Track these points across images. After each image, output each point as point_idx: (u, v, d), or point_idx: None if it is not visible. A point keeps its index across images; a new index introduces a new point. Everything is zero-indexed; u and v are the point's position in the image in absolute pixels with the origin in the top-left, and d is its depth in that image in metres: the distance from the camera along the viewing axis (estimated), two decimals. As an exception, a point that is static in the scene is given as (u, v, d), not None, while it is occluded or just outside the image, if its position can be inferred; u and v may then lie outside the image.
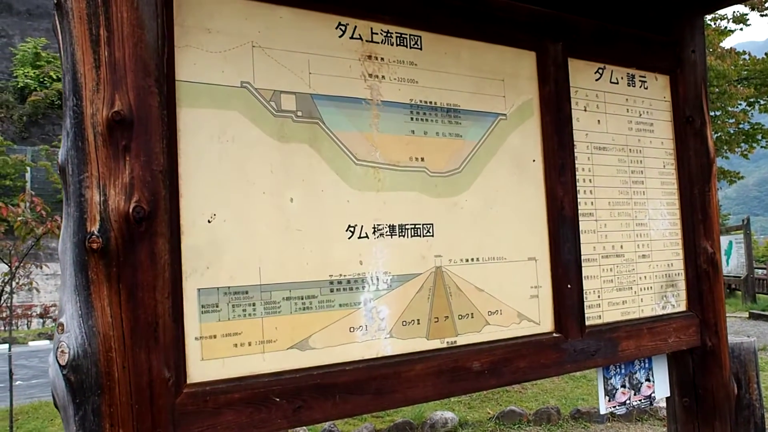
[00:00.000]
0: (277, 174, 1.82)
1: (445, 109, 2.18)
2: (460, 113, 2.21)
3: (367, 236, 1.96)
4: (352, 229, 1.93)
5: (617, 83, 2.76)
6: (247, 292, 1.74)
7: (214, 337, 1.69)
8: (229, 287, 1.72)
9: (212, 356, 1.68)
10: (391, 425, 5.28)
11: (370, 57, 2.03)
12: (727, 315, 3.13)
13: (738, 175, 14.96)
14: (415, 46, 2.14)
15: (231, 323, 1.72)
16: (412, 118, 2.10)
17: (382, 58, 2.06)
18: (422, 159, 2.10)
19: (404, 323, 2.02)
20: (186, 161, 1.67)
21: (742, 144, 13.96)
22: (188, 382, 1.64)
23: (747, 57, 13.07)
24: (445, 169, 2.15)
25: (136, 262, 1.52)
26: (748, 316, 15.47)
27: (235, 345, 1.72)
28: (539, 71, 2.44)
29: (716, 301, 2.98)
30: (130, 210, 1.50)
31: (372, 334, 1.96)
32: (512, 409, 5.69)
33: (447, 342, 2.12)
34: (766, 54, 12.68)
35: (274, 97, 1.83)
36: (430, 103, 2.15)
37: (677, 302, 2.93)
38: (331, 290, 1.89)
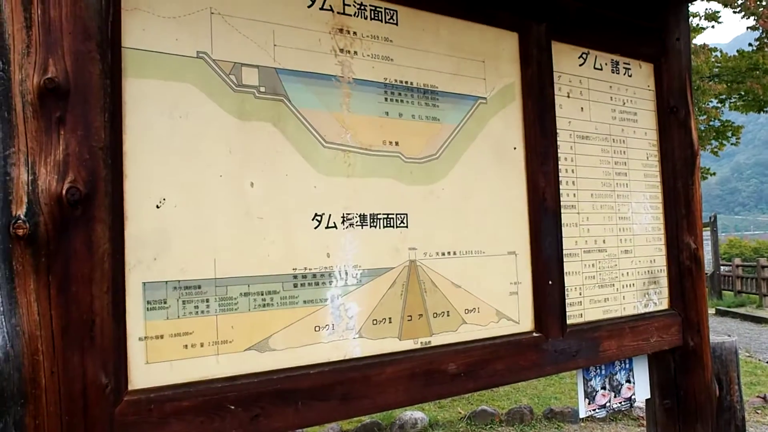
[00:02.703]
0: (236, 155, 1.63)
1: (422, 90, 2.01)
2: (437, 95, 2.05)
3: (335, 226, 1.79)
4: (319, 218, 1.76)
5: (601, 69, 2.63)
6: (199, 287, 1.56)
7: (161, 337, 1.51)
8: (179, 281, 1.53)
9: (158, 359, 1.50)
10: (358, 426, 5.12)
11: (341, 30, 1.85)
12: (702, 313, 3.01)
13: (709, 172, 15.10)
14: (391, 20, 1.97)
15: (181, 321, 1.53)
16: (386, 99, 1.93)
17: (355, 33, 1.88)
18: (397, 143, 1.93)
19: (375, 322, 1.86)
20: (132, 138, 1.48)
21: (713, 141, 14.08)
22: (130, 388, 1.46)
23: (719, 54, 13.17)
24: (421, 154, 1.99)
25: (70, 251, 1.34)
26: (714, 312, 15.68)
27: (186, 346, 1.54)
28: (521, 53, 2.29)
29: (698, 299, 2.88)
30: (64, 191, 1.32)
31: (339, 333, 1.79)
32: (484, 408, 5.56)
33: (421, 342, 1.96)
34: (737, 51, 12.79)
35: (234, 70, 1.65)
36: (406, 83, 1.98)
37: (659, 300, 2.82)
38: (295, 285, 1.71)
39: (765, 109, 13.61)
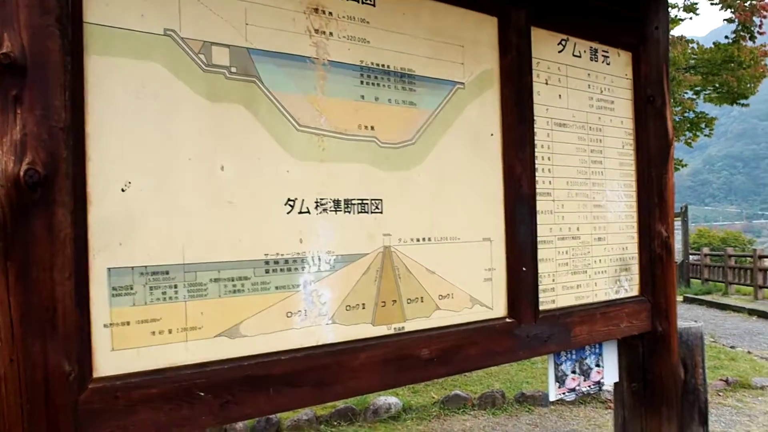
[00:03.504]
0: (205, 138, 1.58)
1: (399, 74, 1.98)
2: (414, 79, 2.01)
3: (308, 211, 1.75)
4: (291, 203, 1.72)
5: (580, 57, 2.61)
6: (167, 273, 1.52)
7: (128, 323, 1.46)
8: (146, 266, 1.49)
9: (125, 346, 1.46)
10: (332, 411, 5.11)
11: (316, 10, 1.81)
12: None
13: (681, 163, 15.32)
14: (368, 1, 1.92)
15: (148, 308, 1.49)
16: (362, 82, 1.89)
17: (330, 13, 1.84)
18: (372, 128, 1.90)
19: (348, 308, 1.83)
20: (95, 118, 1.43)
21: (687, 132, 14.24)
22: (95, 376, 1.41)
23: (695, 45, 13.30)
24: (397, 139, 1.95)
25: (29, 235, 1.28)
26: (682, 299, 15.97)
27: (153, 333, 1.50)
28: (501, 39, 2.26)
29: (668, 286, 2.91)
30: (21, 173, 1.26)
31: (312, 319, 1.76)
32: (457, 393, 5.60)
33: (394, 328, 1.94)
34: (714, 43, 12.91)
35: (203, 49, 1.59)
36: (383, 66, 1.94)
37: (630, 286, 2.84)
38: (267, 271, 1.68)
39: (738, 102, 13.80)
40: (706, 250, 20.06)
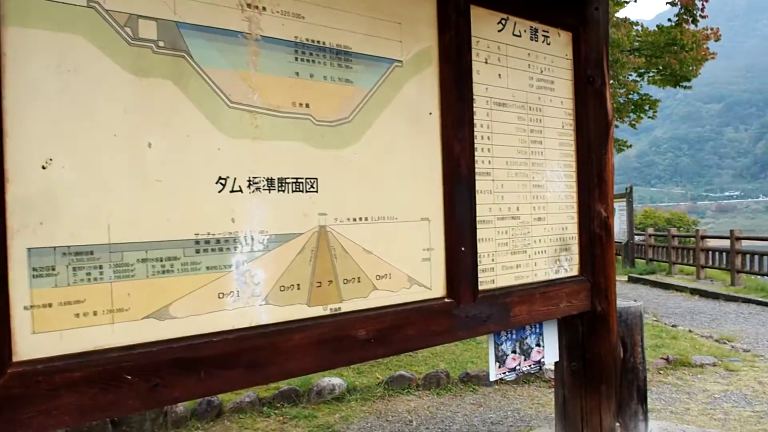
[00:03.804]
0: (132, 114, 1.53)
1: (335, 51, 1.95)
2: (351, 56, 1.99)
3: (240, 190, 1.72)
4: (223, 181, 1.69)
5: (520, 36, 2.62)
6: (92, 253, 1.47)
7: (50, 305, 1.42)
8: (68, 246, 1.44)
9: (47, 328, 1.42)
10: (275, 393, 5.08)
11: (248, -16, 1.76)
12: (615, 279, 3.12)
13: (626, 144, 15.67)
14: (302, -24, 1.88)
15: (71, 289, 1.45)
16: (296, 58, 1.85)
17: (263, -13, 1.79)
18: (307, 105, 1.87)
19: (282, 288, 1.81)
20: (13, 93, 1.37)
21: (631, 114, 14.56)
22: (14, 360, 1.37)
23: (639, 28, 13.57)
24: (332, 117, 1.93)
25: (-60, 214, 1.22)
26: (627, 279, 16.37)
27: (77, 315, 1.46)
28: (439, 17, 2.25)
29: (607, 266, 2.97)
30: (-71, 149, 1.20)
31: (245, 300, 1.73)
32: (401, 373, 5.63)
33: (330, 309, 1.93)
34: (657, 26, 13.18)
35: (129, 22, 1.54)
36: (318, 42, 1.91)
37: (570, 266, 2.89)
38: (197, 251, 1.64)
39: (681, 84, 14.14)
40: (650, 230, 20.55)
